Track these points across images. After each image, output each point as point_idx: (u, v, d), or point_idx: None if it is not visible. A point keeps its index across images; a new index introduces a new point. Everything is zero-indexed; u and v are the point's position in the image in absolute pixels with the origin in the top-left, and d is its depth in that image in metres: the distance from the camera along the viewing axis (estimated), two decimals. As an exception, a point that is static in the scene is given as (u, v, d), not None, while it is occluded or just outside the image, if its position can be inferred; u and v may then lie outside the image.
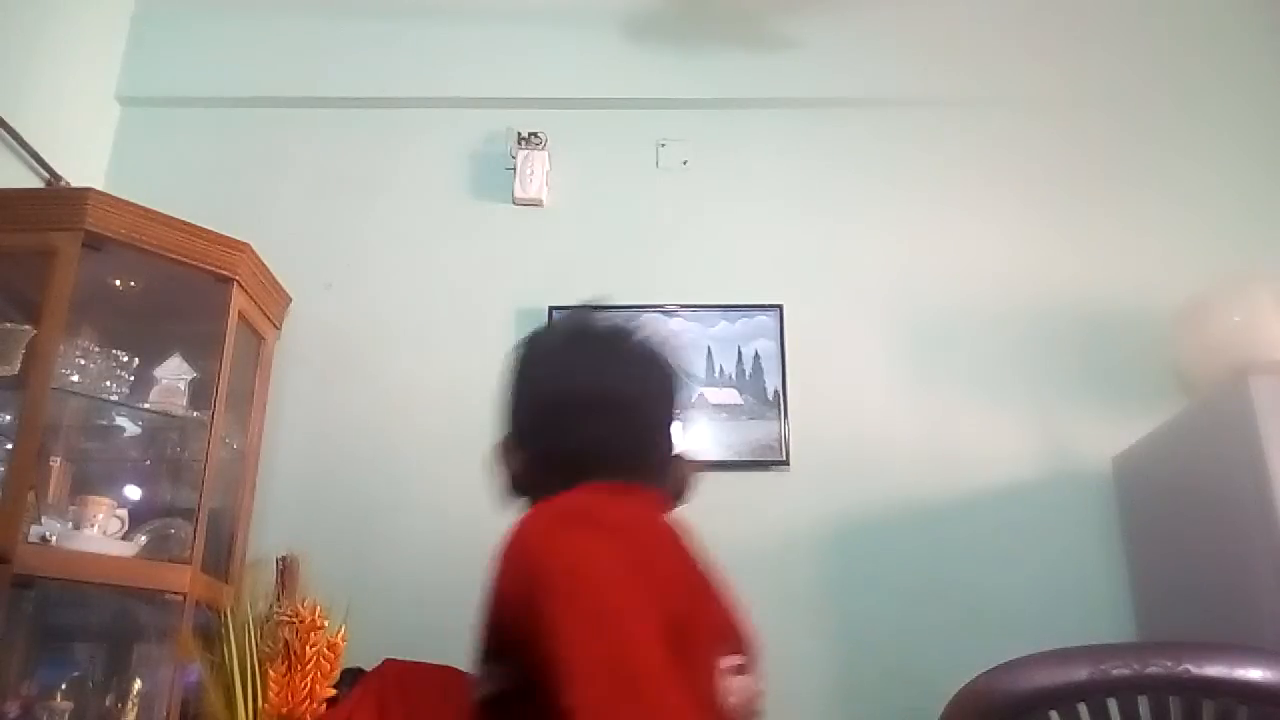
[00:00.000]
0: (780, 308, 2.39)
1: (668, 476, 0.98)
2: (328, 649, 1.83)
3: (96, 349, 2.03)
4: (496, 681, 0.76)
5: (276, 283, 2.31)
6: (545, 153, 2.54)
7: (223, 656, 1.81)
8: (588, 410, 0.95)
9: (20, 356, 1.91)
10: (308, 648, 1.80)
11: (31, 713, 1.82)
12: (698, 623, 0.78)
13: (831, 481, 2.26)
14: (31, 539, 1.83)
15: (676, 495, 0.98)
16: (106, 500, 1.94)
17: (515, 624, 0.73)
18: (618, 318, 1.08)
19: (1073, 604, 2.12)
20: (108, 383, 2.03)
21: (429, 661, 1.88)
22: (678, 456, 0.99)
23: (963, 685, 1.27)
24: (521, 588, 0.73)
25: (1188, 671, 1.11)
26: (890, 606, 2.14)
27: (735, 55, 2.64)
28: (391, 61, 2.66)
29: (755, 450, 2.28)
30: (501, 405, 1.05)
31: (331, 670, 1.83)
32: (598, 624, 0.68)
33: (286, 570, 1.95)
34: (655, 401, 0.98)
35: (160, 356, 2.11)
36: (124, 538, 1.95)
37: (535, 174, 2.51)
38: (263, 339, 2.30)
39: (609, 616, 0.68)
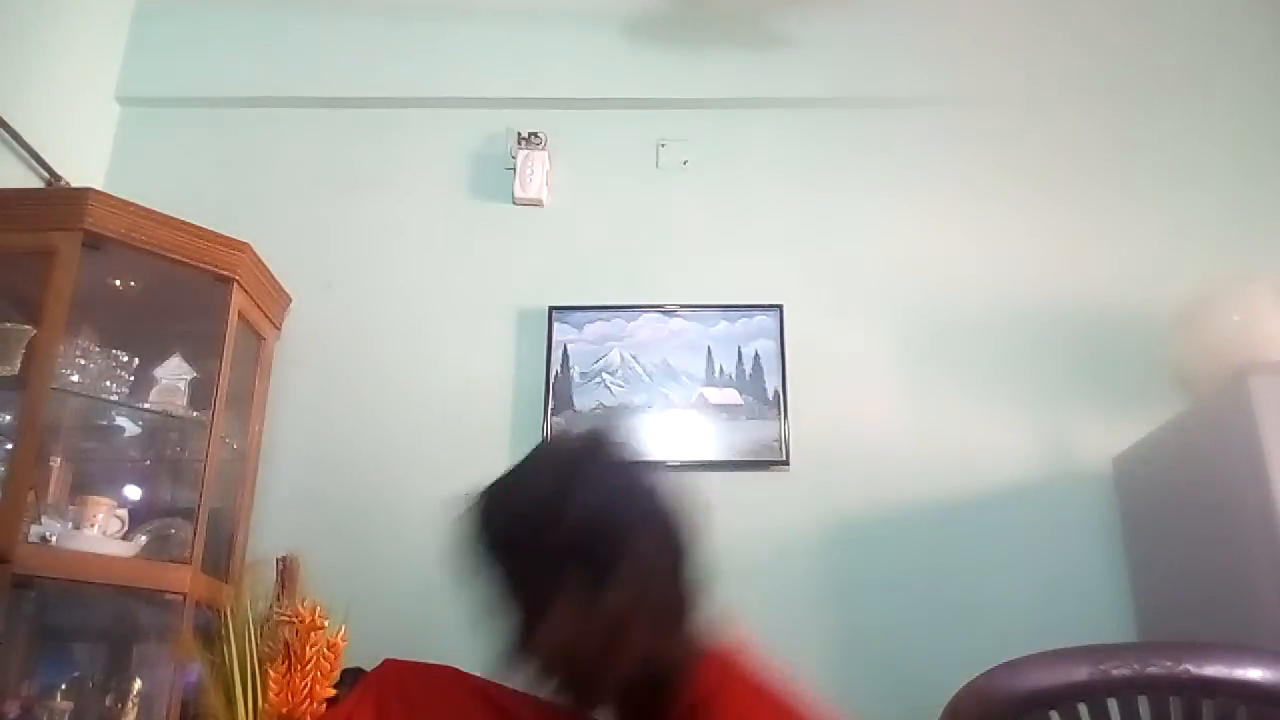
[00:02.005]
0: (780, 308, 2.38)
1: None
2: (328, 649, 1.82)
3: (96, 349, 2.03)
4: None
5: (276, 283, 2.31)
6: (545, 153, 2.54)
7: (223, 656, 1.81)
8: None
9: (20, 356, 1.91)
10: (308, 648, 1.80)
11: (31, 713, 1.82)
12: None
13: (831, 482, 2.25)
14: (31, 539, 1.84)
15: None
16: (106, 500, 1.95)
17: None
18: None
19: (1073, 604, 2.12)
20: (108, 383, 2.03)
21: (429, 661, 1.89)
22: None
23: (963, 685, 1.27)
24: None
25: (1188, 671, 1.11)
26: (890, 606, 2.14)
27: (735, 55, 2.64)
28: (391, 61, 2.66)
29: (755, 450, 2.28)
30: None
31: (331, 670, 1.82)
32: None
33: (286, 570, 1.95)
34: None
35: (160, 356, 2.11)
36: (124, 538, 1.96)
37: (535, 174, 2.51)
38: (263, 339, 2.30)
39: None
